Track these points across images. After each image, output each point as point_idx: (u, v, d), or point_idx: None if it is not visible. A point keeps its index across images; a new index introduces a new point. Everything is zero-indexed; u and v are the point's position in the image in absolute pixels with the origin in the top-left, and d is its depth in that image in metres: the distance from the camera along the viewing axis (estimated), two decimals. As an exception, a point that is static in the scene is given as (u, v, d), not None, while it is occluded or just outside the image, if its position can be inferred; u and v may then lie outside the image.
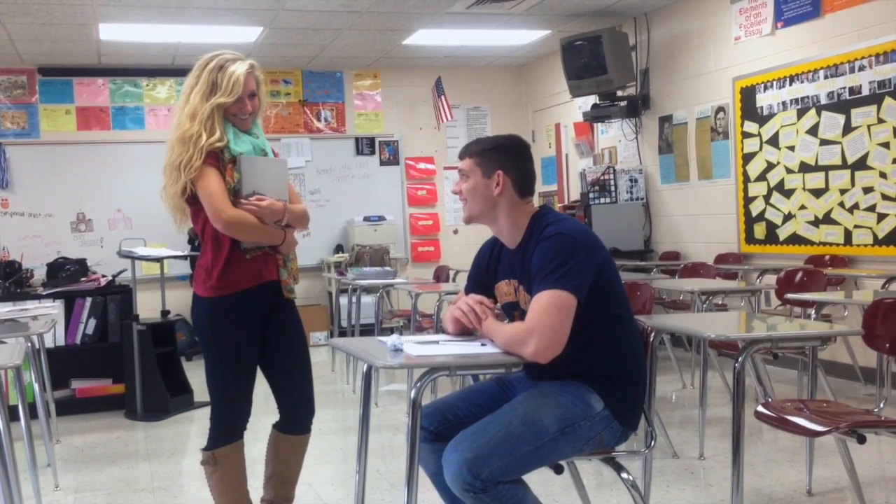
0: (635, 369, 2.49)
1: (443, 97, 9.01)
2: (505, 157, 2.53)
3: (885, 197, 5.44)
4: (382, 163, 9.32)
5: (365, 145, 9.26)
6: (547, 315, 2.29)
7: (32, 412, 4.12)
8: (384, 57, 8.75)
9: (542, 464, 2.36)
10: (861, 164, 5.58)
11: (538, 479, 3.53)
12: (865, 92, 5.51)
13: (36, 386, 4.08)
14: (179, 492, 3.86)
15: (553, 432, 2.32)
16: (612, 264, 2.47)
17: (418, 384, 2.31)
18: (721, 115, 6.79)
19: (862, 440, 2.62)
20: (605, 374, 2.43)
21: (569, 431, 2.34)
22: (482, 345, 2.53)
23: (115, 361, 5.62)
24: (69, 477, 4.15)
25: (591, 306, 2.37)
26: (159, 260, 6.67)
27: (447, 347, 2.53)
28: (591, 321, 2.39)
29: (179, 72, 8.66)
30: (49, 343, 5.36)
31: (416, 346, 2.52)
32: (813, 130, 5.92)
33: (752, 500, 3.37)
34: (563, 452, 2.38)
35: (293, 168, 8.89)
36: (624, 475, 2.51)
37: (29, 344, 3.83)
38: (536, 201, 11.42)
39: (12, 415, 4.05)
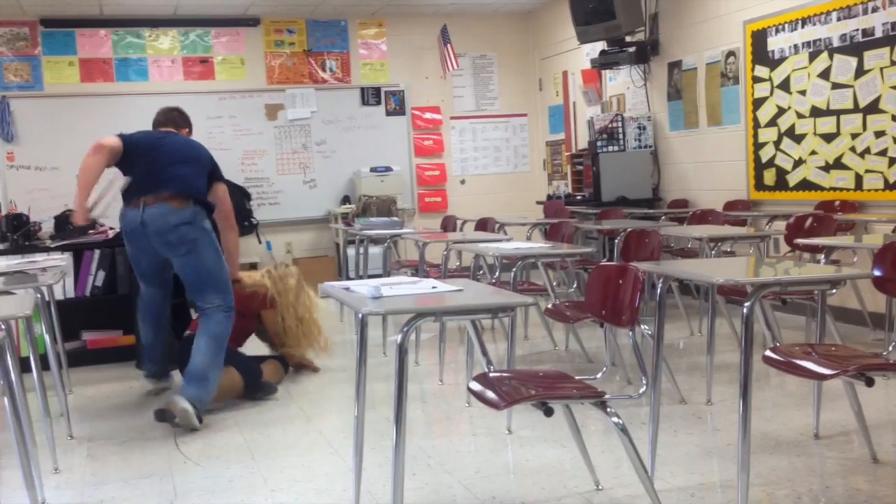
0: None
1: (449, 45, 8.90)
2: None
3: (896, 141, 5.38)
4: (388, 113, 9.25)
5: (370, 95, 9.18)
6: None
7: (44, 364, 4.16)
8: (389, 4, 8.63)
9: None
10: (873, 107, 5.50)
11: (539, 423, 3.56)
12: (878, 34, 5.42)
13: (47, 337, 4.10)
14: (191, 439, 3.90)
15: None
16: None
17: (405, 329, 2.36)
18: (731, 59, 6.69)
19: (870, 383, 2.62)
20: None
21: None
22: (433, 287, 2.68)
23: (125, 313, 5.65)
24: (82, 426, 4.20)
25: None
26: (166, 212, 6.64)
27: (399, 289, 2.79)
28: None
29: (181, 22, 8.57)
30: (59, 295, 5.39)
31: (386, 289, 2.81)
32: (825, 74, 5.84)
33: (760, 444, 3.39)
34: None
35: (300, 119, 8.86)
36: (615, 419, 2.53)
37: (38, 296, 3.85)
38: (544, 151, 11.18)
39: (24, 366, 4.08)
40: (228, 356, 4.32)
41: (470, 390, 2.71)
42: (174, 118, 4.71)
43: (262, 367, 4.71)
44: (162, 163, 4.22)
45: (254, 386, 4.51)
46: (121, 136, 4.26)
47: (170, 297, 4.65)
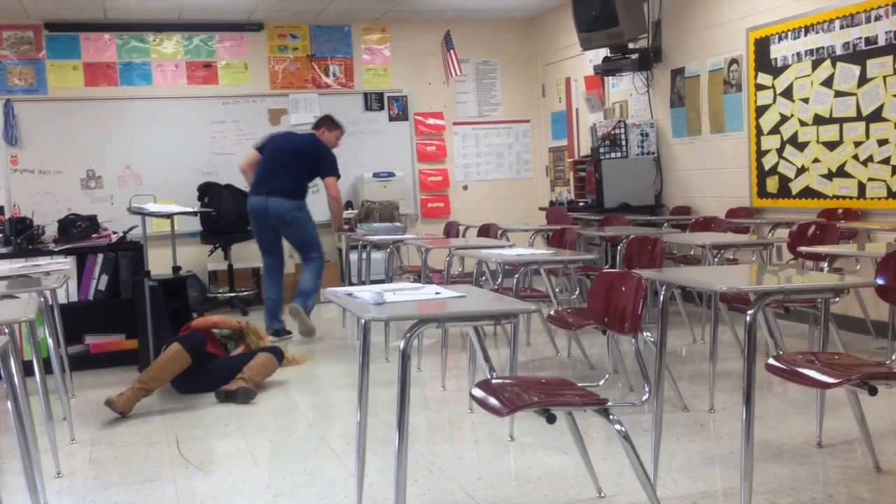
0: None
1: (452, 51, 8.91)
2: None
3: (899, 149, 5.37)
4: (391, 118, 9.25)
5: (374, 101, 9.19)
6: None
7: (47, 367, 4.17)
8: (392, 10, 8.65)
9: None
10: (876, 115, 5.51)
11: (542, 430, 3.56)
12: (881, 42, 5.42)
13: (50, 341, 4.10)
14: (194, 444, 3.90)
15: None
16: None
17: (408, 335, 2.36)
18: (734, 67, 6.70)
19: (873, 392, 2.62)
20: None
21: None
22: (436, 293, 2.67)
23: (128, 317, 5.66)
24: (85, 430, 4.20)
25: None
26: (169, 216, 6.66)
27: (402, 295, 2.78)
28: None
29: (185, 27, 8.59)
30: (62, 299, 5.39)
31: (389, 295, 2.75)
32: (828, 82, 5.84)
33: (762, 452, 3.39)
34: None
35: (303, 124, 8.86)
36: (617, 427, 2.53)
37: (42, 299, 3.85)
38: (547, 157, 11.18)
39: (27, 370, 4.09)
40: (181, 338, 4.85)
41: (472, 396, 2.72)
42: (318, 121, 6.85)
43: (254, 360, 4.85)
44: (277, 168, 6.36)
45: (194, 350, 4.70)
46: (256, 147, 6.66)
47: (283, 264, 6.64)
